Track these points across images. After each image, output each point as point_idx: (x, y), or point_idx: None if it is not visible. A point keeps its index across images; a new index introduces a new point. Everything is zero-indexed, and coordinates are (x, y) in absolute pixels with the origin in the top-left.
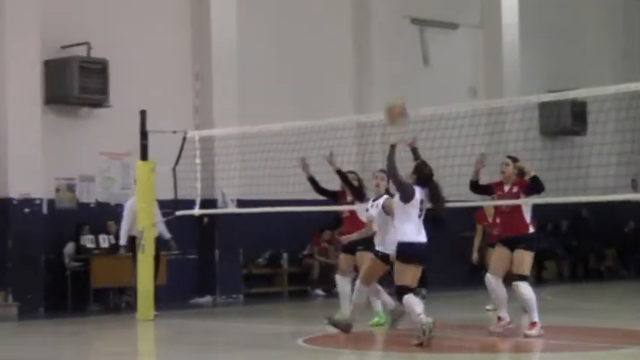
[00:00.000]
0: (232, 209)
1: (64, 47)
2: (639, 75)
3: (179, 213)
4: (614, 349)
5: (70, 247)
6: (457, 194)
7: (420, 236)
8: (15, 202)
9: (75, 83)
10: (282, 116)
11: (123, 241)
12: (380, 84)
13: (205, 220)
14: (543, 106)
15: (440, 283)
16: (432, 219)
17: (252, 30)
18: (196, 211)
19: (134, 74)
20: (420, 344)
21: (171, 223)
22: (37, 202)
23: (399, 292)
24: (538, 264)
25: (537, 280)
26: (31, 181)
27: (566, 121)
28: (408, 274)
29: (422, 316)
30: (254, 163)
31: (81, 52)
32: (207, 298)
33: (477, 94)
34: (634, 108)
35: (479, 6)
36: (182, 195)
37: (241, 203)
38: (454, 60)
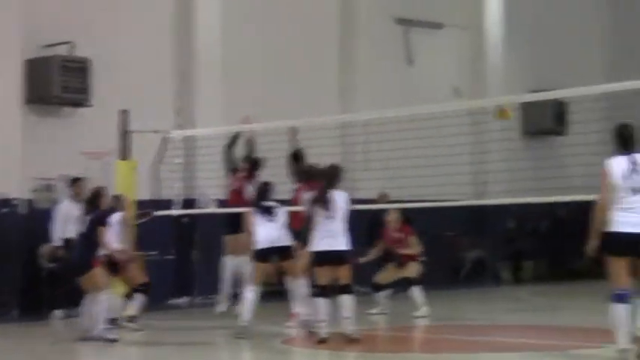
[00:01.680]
0: (212, 209)
1: (45, 46)
2: (620, 76)
3: (158, 213)
4: (593, 348)
5: (46, 248)
6: (440, 194)
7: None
8: None
9: (56, 82)
10: (267, 116)
11: (58, 243)
12: (364, 84)
13: (184, 220)
14: (525, 107)
15: None
16: None
17: (236, 29)
18: (175, 211)
19: (116, 73)
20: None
21: (150, 224)
22: (15, 202)
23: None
24: (516, 264)
25: (515, 279)
26: (9, 180)
27: (547, 121)
28: (319, 274)
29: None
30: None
31: (63, 51)
32: (185, 299)
33: (460, 94)
34: (614, 108)
35: (463, 6)
36: (162, 195)
37: (222, 203)
38: (438, 60)
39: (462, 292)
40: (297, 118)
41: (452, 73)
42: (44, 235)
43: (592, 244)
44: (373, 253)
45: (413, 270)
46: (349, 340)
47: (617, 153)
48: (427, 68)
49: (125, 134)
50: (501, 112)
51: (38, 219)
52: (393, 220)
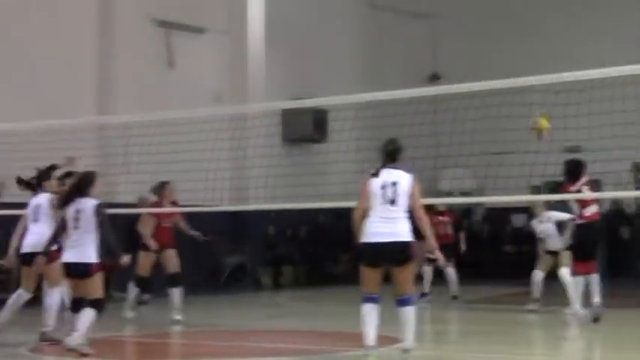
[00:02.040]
0: None
1: None
2: (378, 85)
3: None
4: (347, 351)
5: None
6: (201, 199)
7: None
8: None
9: None
10: (17, 115)
11: None
12: (123, 85)
13: None
14: (286, 113)
15: None
16: None
17: None
18: None
19: None
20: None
21: None
22: None
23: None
24: (276, 269)
25: (275, 284)
26: None
27: (307, 128)
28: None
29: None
30: None
31: None
32: None
33: (221, 99)
34: (371, 117)
35: (225, 12)
36: None
37: None
38: (200, 64)
39: (222, 297)
40: (52, 119)
41: (213, 77)
42: None
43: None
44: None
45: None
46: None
47: (380, 165)
48: (188, 72)
49: None
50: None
51: None
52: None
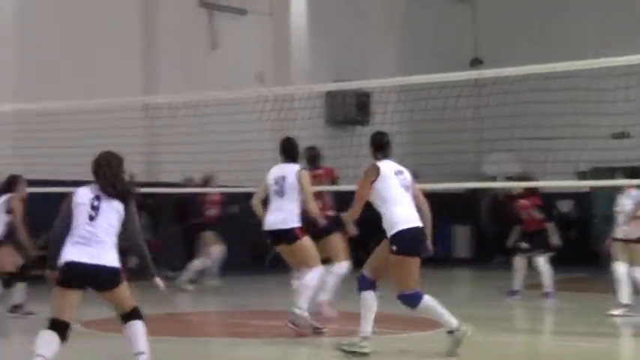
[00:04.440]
0: None
1: None
2: (420, 68)
3: None
4: (397, 334)
5: None
6: (239, 180)
7: None
8: None
9: None
10: (66, 94)
11: None
12: (167, 65)
13: None
14: (329, 95)
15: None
16: None
17: (35, 7)
18: None
19: None
20: None
21: None
22: None
23: None
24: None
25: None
26: None
27: (350, 110)
28: None
29: None
30: (27, 143)
31: None
32: None
33: (264, 80)
34: (414, 101)
35: None
36: None
37: None
38: (242, 45)
39: (268, 278)
40: (98, 99)
41: (256, 59)
42: None
43: None
44: None
45: None
46: None
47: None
48: (231, 53)
49: None
50: None
51: None
52: None
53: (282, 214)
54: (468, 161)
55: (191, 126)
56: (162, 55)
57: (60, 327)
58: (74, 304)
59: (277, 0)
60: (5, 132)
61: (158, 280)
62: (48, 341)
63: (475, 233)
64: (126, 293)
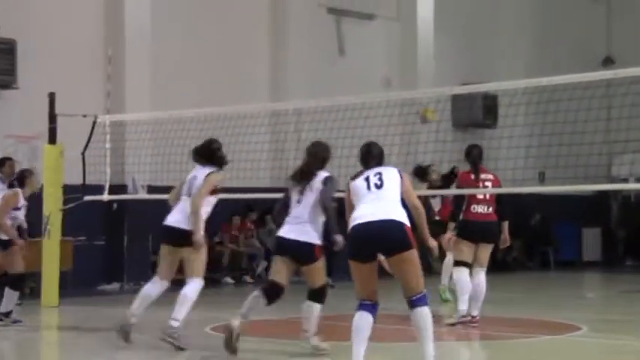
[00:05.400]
0: (142, 195)
1: None
2: (549, 70)
3: (87, 198)
4: (528, 338)
5: None
6: None
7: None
8: None
9: None
10: (196, 102)
11: None
12: (295, 72)
13: (114, 205)
14: (456, 99)
15: None
16: None
17: (166, 14)
18: (105, 196)
19: (43, 56)
20: None
21: (79, 209)
22: None
23: None
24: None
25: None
26: None
27: (477, 113)
28: None
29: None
30: (165, 149)
31: None
32: (115, 285)
33: (391, 84)
34: (543, 102)
35: None
36: (92, 180)
37: (152, 189)
38: (369, 51)
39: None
40: (227, 106)
41: (383, 63)
42: None
43: None
44: None
45: None
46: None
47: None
48: (358, 59)
49: (53, 118)
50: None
51: None
52: None
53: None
54: (597, 163)
55: (319, 131)
56: (290, 61)
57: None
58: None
59: (404, 4)
60: (143, 139)
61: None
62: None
63: (605, 236)
64: None
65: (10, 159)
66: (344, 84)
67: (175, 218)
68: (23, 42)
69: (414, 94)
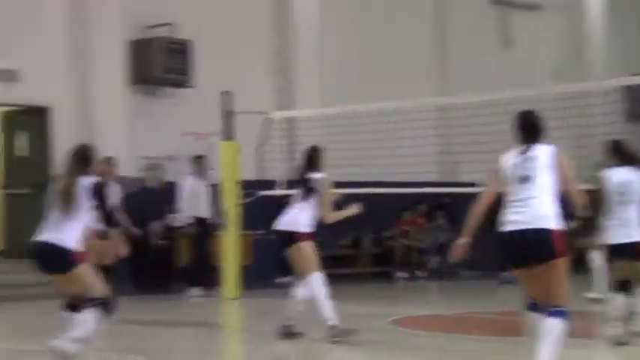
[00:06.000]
0: None
1: (147, 27)
2: None
3: (262, 193)
4: None
5: (155, 226)
6: None
7: None
8: None
9: (159, 64)
10: (364, 96)
11: (184, 221)
12: (460, 66)
13: (286, 200)
14: (628, 90)
15: None
16: None
17: (334, 13)
18: (278, 191)
19: (216, 54)
20: None
21: (255, 204)
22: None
23: None
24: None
25: None
26: (116, 159)
27: None
28: None
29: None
30: (336, 145)
31: (164, 32)
32: (289, 278)
33: (559, 77)
34: None
35: None
36: (266, 176)
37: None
38: (536, 42)
39: None
40: (394, 101)
41: (550, 55)
42: (154, 213)
43: None
44: None
45: None
46: None
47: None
48: (524, 50)
49: (228, 115)
50: None
51: (147, 197)
52: None
53: None
54: None
55: (485, 125)
56: (454, 54)
57: None
58: None
59: None
60: (314, 135)
61: None
62: None
63: None
64: None
65: (203, 156)
66: (510, 77)
67: None
68: (197, 42)
69: (583, 87)
